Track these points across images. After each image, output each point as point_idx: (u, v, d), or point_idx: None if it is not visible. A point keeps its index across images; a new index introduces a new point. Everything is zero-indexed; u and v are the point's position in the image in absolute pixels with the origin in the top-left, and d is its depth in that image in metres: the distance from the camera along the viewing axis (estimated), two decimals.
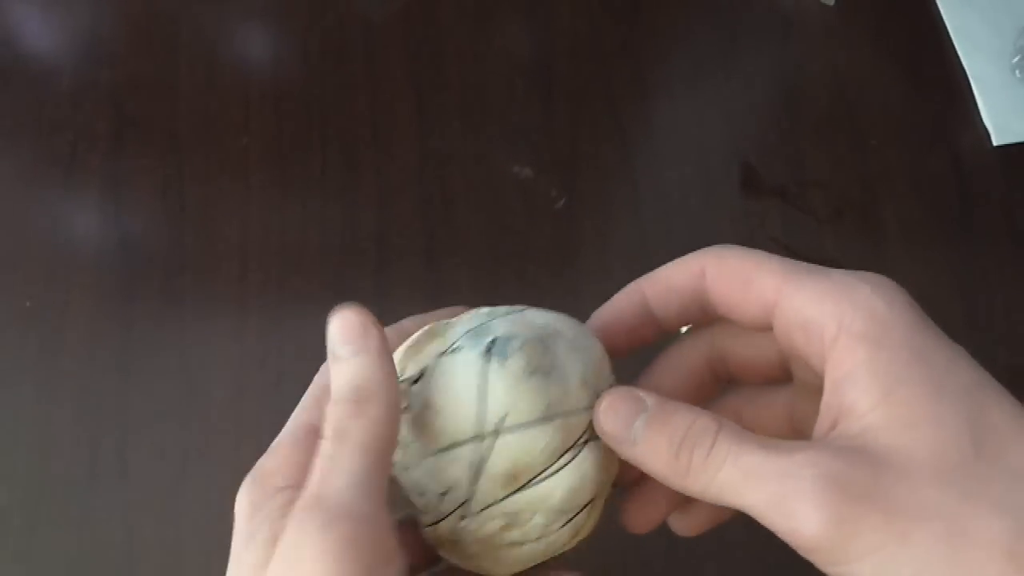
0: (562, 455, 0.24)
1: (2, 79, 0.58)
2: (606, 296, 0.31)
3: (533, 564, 0.26)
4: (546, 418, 0.23)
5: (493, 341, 0.24)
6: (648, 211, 0.57)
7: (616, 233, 0.56)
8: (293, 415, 0.26)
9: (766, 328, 0.25)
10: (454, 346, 0.25)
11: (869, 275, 0.24)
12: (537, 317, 0.26)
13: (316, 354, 0.52)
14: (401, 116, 0.58)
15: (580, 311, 0.31)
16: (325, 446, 0.22)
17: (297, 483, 0.23)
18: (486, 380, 0.23)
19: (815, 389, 0.24)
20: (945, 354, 0.22)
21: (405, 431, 0.24)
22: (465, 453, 0.23)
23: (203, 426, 0.50)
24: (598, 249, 0.56)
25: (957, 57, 0.62)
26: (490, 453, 0.23)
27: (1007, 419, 0.21)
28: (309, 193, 0.56)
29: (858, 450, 0.21)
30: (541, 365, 0.24)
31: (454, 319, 0.26)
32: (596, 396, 0.25)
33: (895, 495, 0.20)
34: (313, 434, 0.24)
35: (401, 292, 0.54)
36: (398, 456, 0.24)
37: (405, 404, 0.24)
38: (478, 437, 0.23)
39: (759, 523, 0.22)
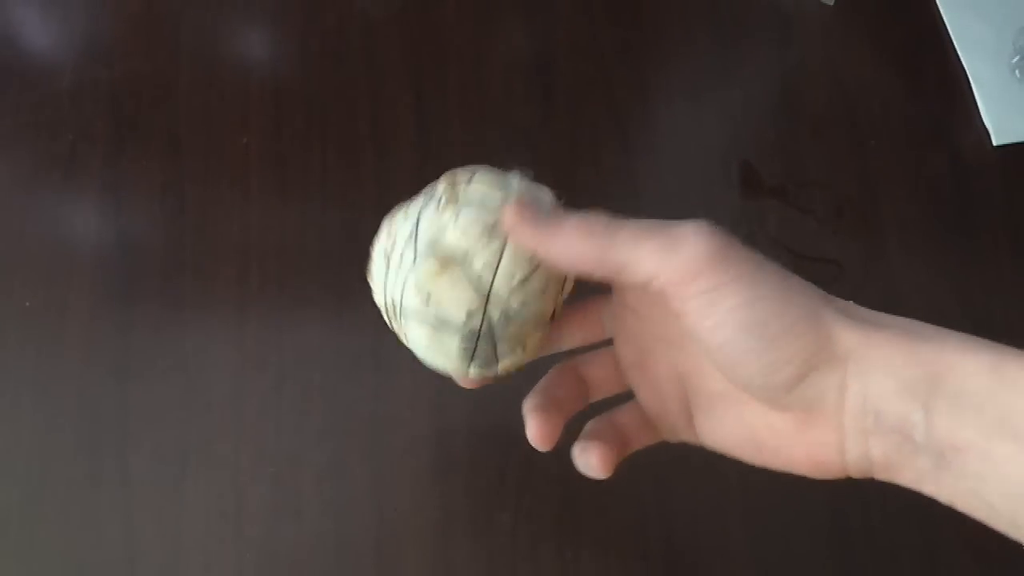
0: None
1: (2, 79, 0.58)
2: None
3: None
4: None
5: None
6: (647, 211, 0.56)
7: None
8: None
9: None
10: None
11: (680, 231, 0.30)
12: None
13: (315, 355, 0.52)
14: (401, 116, 0.58)
15: None
16: None
17: None
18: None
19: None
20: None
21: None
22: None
23: (203, 427, 0.50)
24: None
25: (957, 57, 0.62)
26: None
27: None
28: (309, 193, 0.56)
29: None
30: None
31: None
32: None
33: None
34: None
35: None
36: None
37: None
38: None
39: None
